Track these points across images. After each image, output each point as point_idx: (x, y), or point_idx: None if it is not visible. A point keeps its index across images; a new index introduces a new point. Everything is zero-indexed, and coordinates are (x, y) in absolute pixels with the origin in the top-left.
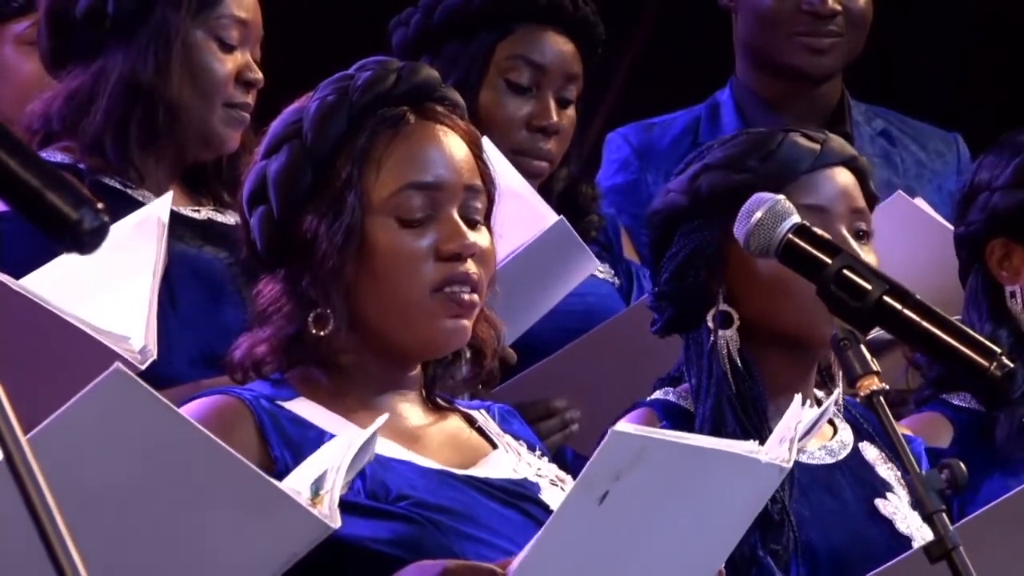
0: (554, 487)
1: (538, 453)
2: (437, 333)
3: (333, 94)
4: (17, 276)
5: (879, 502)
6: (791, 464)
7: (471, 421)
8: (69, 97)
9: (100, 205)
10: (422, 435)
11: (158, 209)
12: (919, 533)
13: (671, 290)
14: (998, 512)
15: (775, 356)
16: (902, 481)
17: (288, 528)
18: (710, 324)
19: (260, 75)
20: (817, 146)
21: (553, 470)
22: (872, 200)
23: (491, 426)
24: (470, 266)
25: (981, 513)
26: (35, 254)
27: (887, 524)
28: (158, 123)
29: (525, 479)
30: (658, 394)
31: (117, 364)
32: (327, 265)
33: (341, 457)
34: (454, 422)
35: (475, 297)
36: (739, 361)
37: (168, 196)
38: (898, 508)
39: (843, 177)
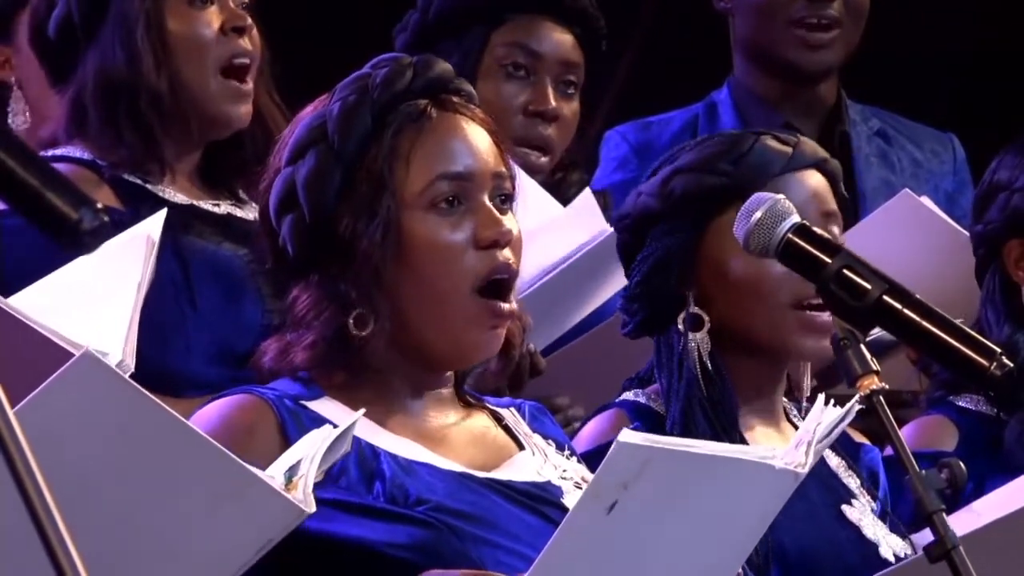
0: (578, 490)
1: (566, 453)
2: (473, 341)
3: (354, 94)
4: (18, 275)
5: (846, 508)
6: (807, 469)
7: (499, 419)
8: (67, 112)
9: (100, 204)
10: (447, 435)
11: (149, 227)
12: (885, 541)
13: (642, 292)
14: (1004, 526)
15: (745, 361)
16: (863, 489)
17: (261, 513)
18: (680, 327)
19: (247, 19)
20: (789, 149)
21: (580, 471)
22: (842, 202)
23: (520, 426)
24: (507, 254)
25: (988, 525)
26: (37, 253)
27: (854, 529)
28: (143, 112)
29: (549, 482)
30: (628, 395)
31: (86, 348)
32: (369, 264)
33: (316, 447)
34: (481, 421)
35: (513, 307)
36: (709, 364)
37: (162, 214)
38: (863, 515)
39: (814, 180)
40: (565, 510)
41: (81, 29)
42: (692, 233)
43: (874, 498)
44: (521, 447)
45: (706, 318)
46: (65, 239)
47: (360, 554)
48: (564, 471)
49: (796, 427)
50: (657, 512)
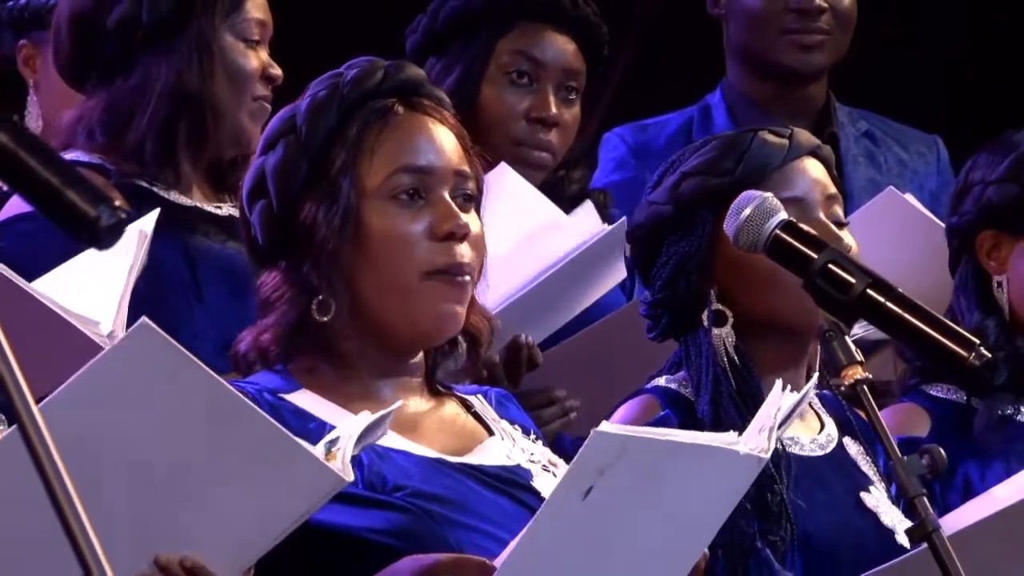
0: (547, 473)
1: (532, 437)
2: (430, 318)
3: (324, 90)
4: (35, 275)
5: (864, 495)
6: (769, 454)
7: (468, 406)
8: (110, 108)
9: (118, 202)
10: (420, 423)
11: (143, 223)
12: (901, 527)
13: (665, 297)
14: (993, 524)
15: (770, 346)
16: (880, 476)
17: (303, 481)
18: (705, 324)
19: (280, 71)
20: (786, 141)
21: (546, 454)
22: (837, 185)
23: (488, 412)
24: (464, 249)
25: (977, 524)
26: (56, 255)
27: (872, 516)
28: (207, 127)
29: (518, 466)
30: (659, 381)
31: (144, 318)
32: (326, 249)
33: (354, 427)
34: (451, 408)
35: (466, 279)
36: (736, 357)
37: (155, 213)
38: (880, 501)
39: (813, 167)
40: (535, 492)
41: (148, 33)
42: (706, 233)
43: (888, 483)
44: (490, 432)
45: (728, 313)
46: (84, 236)
47: (341, 540)
48: (532, 455)
49: (817, 413)
50: (631, 498)
